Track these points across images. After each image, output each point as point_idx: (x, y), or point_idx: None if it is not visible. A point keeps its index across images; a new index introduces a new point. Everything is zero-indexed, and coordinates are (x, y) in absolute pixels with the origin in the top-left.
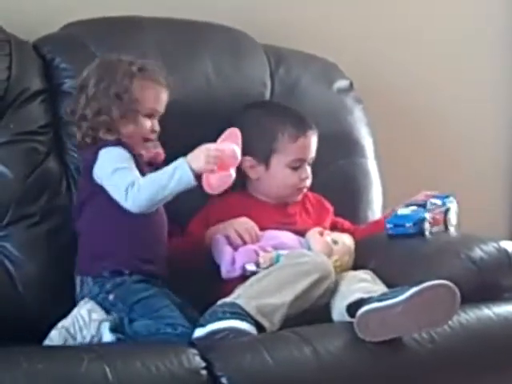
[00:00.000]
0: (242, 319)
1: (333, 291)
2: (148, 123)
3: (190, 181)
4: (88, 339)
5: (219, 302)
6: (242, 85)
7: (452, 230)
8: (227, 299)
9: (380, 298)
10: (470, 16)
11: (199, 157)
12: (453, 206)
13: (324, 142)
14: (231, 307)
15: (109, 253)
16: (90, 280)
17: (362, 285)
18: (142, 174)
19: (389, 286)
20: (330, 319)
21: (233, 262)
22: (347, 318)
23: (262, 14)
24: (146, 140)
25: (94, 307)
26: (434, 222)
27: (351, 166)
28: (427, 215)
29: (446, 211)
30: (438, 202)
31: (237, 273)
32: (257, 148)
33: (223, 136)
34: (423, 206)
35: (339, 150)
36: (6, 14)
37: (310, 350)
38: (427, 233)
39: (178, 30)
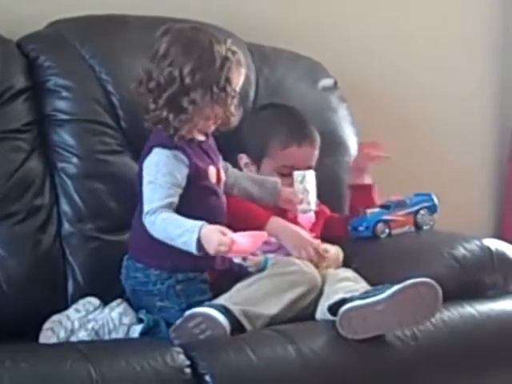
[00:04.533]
0: (219, 310)
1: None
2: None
3: (193, 250)
4: None
5: (204, 304)
6: None
7: (426, 229)
8: (212, 302)
9: (362, 296)
10: (459, 15)
11: (212, 239)
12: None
13: None
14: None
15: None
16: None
17: (343, 284)
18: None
19: (372, 284)
20: (313, 319)
21: None
22: (330, 318)
23: (247, 12)
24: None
25: (126, 310)
26: (396, 224)
27: (335, 164)
28: (387, 217)
29: (417, 212)
30: (409, 202)
31: (225, 265)
32: (252, 148)
33: (249, 232)
34: (387, 207)
35: (323, 148)
36: None
37: (294, 348)
38: (383, 235)
39: None
